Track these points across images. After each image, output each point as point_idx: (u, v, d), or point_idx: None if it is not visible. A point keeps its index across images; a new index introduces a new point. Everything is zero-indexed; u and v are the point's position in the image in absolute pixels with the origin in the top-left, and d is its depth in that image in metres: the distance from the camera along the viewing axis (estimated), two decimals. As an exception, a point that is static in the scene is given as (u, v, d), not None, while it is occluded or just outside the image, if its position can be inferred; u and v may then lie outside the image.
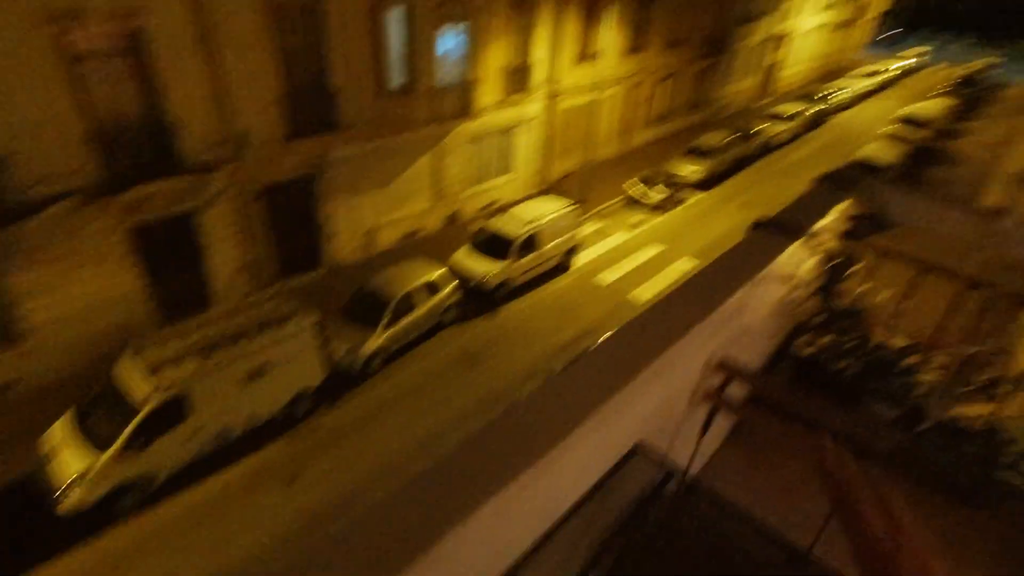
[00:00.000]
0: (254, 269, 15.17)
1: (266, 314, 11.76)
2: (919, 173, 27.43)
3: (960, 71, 44.39)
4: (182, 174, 12.52)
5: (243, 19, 12.65)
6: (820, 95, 37.08)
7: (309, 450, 11.93)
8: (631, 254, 19.80)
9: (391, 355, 14.16)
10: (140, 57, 11.55)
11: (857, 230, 2.59)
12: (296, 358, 11.86)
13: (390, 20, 15.38)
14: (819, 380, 2.43)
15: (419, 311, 14.45)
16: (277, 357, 11.50)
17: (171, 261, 13.64)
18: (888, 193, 2.70)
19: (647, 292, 17.74)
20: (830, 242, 2.50)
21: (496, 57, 18.70)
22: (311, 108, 14.54)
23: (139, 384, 10.09)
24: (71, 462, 9.76)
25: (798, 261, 2.28)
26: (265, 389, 11.51)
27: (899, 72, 48.15)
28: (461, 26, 17.06)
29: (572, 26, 21.33)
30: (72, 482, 9.56)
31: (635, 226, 21.56)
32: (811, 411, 2.17)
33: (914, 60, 50.03)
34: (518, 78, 19.95)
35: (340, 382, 13.17)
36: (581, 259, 19.08)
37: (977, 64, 46.38)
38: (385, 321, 13.64)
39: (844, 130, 35.10)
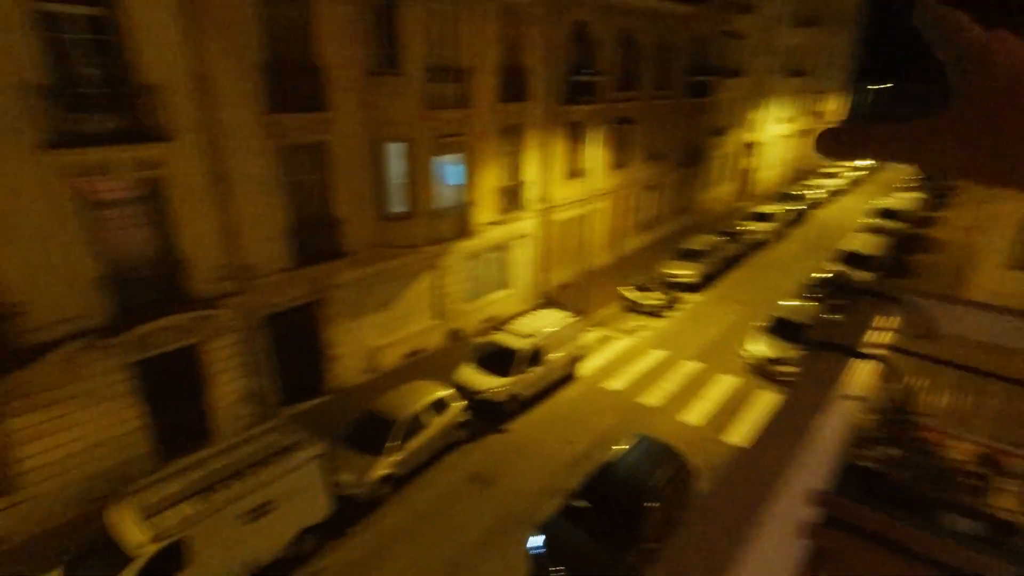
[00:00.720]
0: (257, 398, 14.90)
1: (269, 447, 11.37)
2: (905, 262, 28.24)
3: (922, 166, 47.31)
4: (188, 309, 12.69)
5: (254, 162, 13.48)
6: (797, 194, 39.17)
7: (314, 595, 10.99)
8: (634, 359, 19.71)
9: (401, 480, 13.53)
10: (156, 203, 12.15)
11: (905, 341, 2.60)
12: (301, 492, 11.30)
13: (389, 153, 16.44)
14: (888, 494, 2.31)
15: (427, 432, 14.03)
16: (281, 492, 10.95)
17: (173, 395, 13.41)
18: (930, 303, 2.74)
19: (654, 396, 17.45)
20: (882, 354, 2.50)
21: (490, 179, 19.80)
22: (315, 238, 15.10)
23: (133, 532, 9.49)
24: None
25: (856, 377, 2.26)
26: (269, 527, 10.84)
27: (866, 170, 51.36)
28: (457, 155, 18.24)
29: (560, 147, 22.85)
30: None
31: (634, 331, 21.66)
32: (896, 532, 2.04)
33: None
34: (512, 197, 21.00)
35: (348, 512, 12.45)
36: (586, 368, 18.94)
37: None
38: (393, 445, 13.20)
39: (824, 225, 36.60)
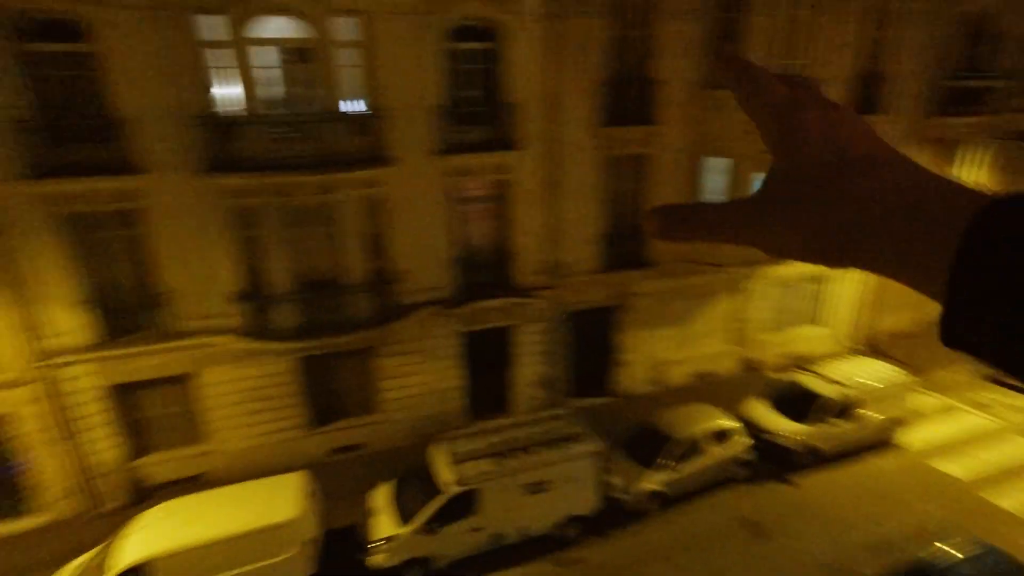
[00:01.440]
0: (549, 385, 16.43)
1: (554, 431, 12.46)
2: None
3: None
4: (511, 295, 14.73)
5: (581, 171, 14.78)
6: None
7: (572, 580, 11.70)
8: (987, 443, 15.39)
9: (669, 500, 13.34)
10: (500, 202, 14.40)
11: None
12: (575, 481, 12.10)
13: (708, 167, 16.08)
14: None
15: (704, 459, 13.49)
16: (558, 476, 11.90)
17: (485, 366, 15.76)
18: None
19: (1012, 498, 13.35)
20: None
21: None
22: (624, 246, 15.80)
23: (444, 471, 11.52)
24: (383, 526, 11.45)
25: None
26: (542, 504, 11.92)
27: None
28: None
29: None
30: (379, 544, 11.16)
31: (992, 407, 16.87)
32: None
33: None
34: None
35: (613, 515, 12.85)
36: (912, 437, 15.58)
37: None
38: (666, 462, 13.08)
39: None
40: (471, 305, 14.48)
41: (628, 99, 14.71)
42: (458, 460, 11.71)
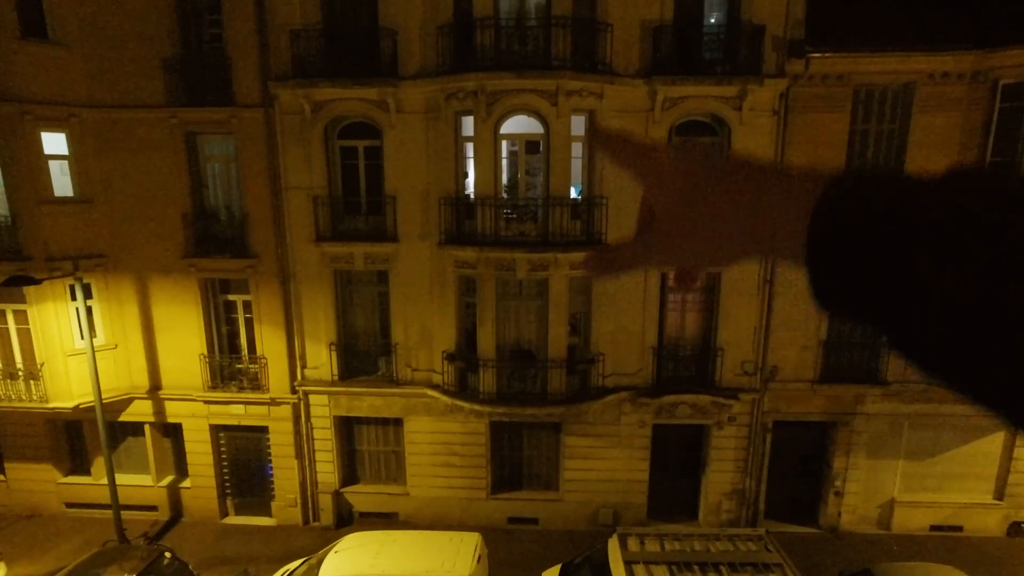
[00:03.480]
0: (741, 498, 14.80)
1: (748, 555, 11.07)
2: None
3: None
4: (711, 393, 13.88)
5: (798, 272, 13.59)
6: None
7: None
8: None
9: None
10: (711, 294, 13.95)
11: None
12: (766, 620, 10.51)
13: None
14: None
15: (943, 640, 10.73)
16: (745, 608, 10.47)
17: (673, 464, 14.84)
18: None
19: None
20: None
21: None
22: (850, 356, 13.96)
23: (617, 568, 10.90)
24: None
25: None
26: (721, 636, 10.53)
27: None
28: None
29: None
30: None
31: None
32: None
33: None
34: None
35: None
36: None
37: None
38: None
39: None
40: (666, 397, 13.96)
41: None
42: (633, 560, 11.02)
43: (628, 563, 10.90)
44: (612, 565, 11.07)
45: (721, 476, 14.76)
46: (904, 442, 14.51)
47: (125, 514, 13.89)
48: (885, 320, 0.53)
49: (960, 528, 14.76)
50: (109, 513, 13.76)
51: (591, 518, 14.80)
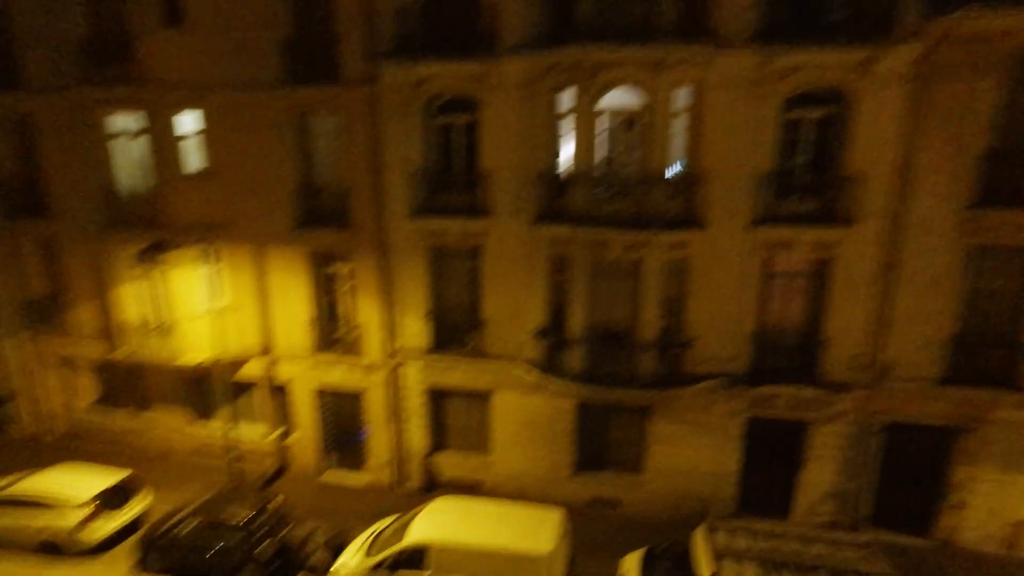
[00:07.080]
0: (842, 502, 13.81)
1: (850, 562, 10.34)
2: None
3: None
4: (814, 386, 12.99)
5: (933, 258, 12.28)
6: None
7: None
8: None
9: None
10: (819, 280, 12.92)
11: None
12: (866, 633, 9.80)
13: None
14: None
15: None
16: (843, 617, 9.81)
17: (768, 459, 14.07)
18: None
19: None
20: None
21: None
22: (979, 356, 12.48)
23: (702, 560, 10.58)
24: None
25: None
26: (818, 644, 9.94)
27: None
28: None
29: None
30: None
31: None
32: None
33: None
34: None
35: None
36: None
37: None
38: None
39: None
40: (764, 388, 13.21)
41: (1017, 177, 11.76)
42: (721, 555, 10.63)
43: (718, 556, 10.54)
44: (699, 556, 10.76)
45: (820, 476, 13.83)
46: (1044, 456, 12.85)
47: (237, 464, 15.39)
48: None
49: (1109, 558, 12.95)
50: (226, 459, 15.37)
51: (675, 506, 14.42)
